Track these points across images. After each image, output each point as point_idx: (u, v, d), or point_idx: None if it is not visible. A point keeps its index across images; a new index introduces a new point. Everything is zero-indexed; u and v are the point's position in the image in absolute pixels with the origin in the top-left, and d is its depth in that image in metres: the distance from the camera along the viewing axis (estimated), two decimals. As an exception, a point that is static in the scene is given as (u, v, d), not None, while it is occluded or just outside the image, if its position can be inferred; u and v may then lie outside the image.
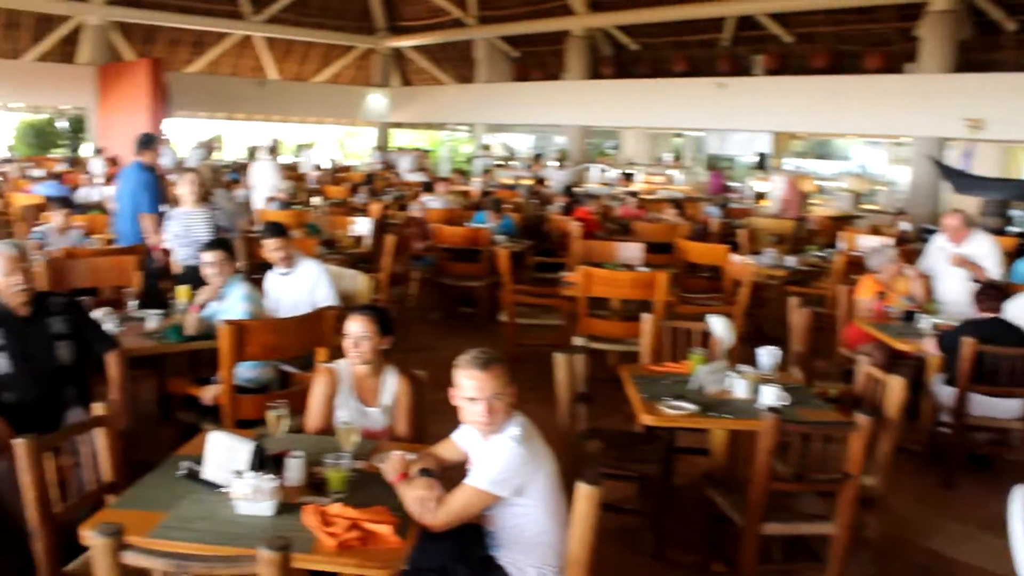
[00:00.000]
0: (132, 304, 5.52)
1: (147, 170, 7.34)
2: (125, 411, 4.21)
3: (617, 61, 21.59)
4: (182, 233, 6.10)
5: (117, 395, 4.20)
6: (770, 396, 4.30)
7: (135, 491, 3.05)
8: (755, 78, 18.33)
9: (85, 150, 23.26)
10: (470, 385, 3.06)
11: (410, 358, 4.19)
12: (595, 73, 21.52)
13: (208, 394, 4.46)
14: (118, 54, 23.31)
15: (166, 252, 6.43)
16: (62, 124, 26.27)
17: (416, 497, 2.96)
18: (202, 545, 2.69)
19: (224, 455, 3.07)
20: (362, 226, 9.46)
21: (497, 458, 2.99)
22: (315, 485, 3.11)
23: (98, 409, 3.36)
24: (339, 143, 25.18)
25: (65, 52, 23.36)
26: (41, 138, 26.19)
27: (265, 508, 2.87)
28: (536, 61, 24.02)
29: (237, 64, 26.38)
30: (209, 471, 3.09)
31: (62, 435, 3.24)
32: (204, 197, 6.26)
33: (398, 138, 29.55)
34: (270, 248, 5.51)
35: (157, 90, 20.31)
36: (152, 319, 5.16)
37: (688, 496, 4.95)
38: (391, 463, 3.15)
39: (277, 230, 5.58)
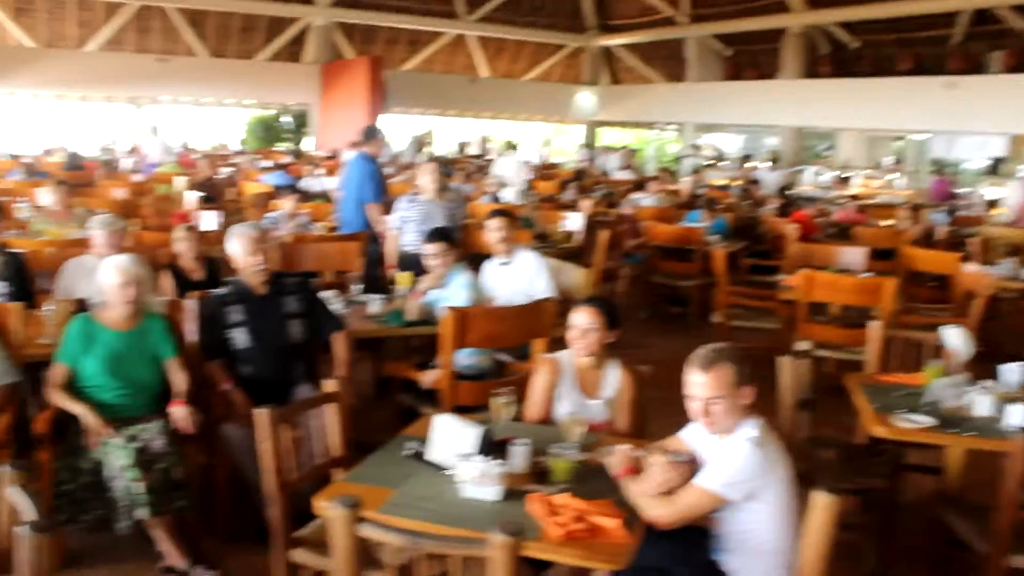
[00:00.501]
0: (356, 288, 5.71)
1: (371, 161, 7.59)
2: (348, 390, 4.34)
3: (836, 59, 20.67)
4: (419, 221, 6.27)
5: (342, 373, 4.33)
6: (1019, 416, 3.93)
7: (365, 467, 3.12)
8: (991, 76, 17.05)
9: (307, 144, 24.51)
10: (692, 383, 2.95)
11: (618, 355, 4.12)
12: (812, 72, 20.69)
13: (427, 378, 4.54)
14: (340, 53, 24.43)
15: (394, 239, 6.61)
16: (287, 119, 27.76)
17: (658, 482, 2.88)
18: (429, 524, 2.71)
19: (451, 438, 3.09)
20: (574, 222, 9.45)
21: (731, 460, 2.86)
22: (539, 474, 3.08)
23: (330, 386, 3.46)
24: (547, 141, 25.40)
25: (292, 52, 24.71)
26: (268, 132, 27.77)
27: (491, 493, 2.86)
28: (749, 59, 23.37)
29: (450, 62, 27.09)
30: (435, 453, 3.12)
31: (298, 408, 3.36)
32: (444, 188, 6.41)
33: (605, 136, 29.52)
34: (492, 229, 5.55)
35: (375, 87, 21.13)
36: (375, 303, 5.31)
37: (914, 515, 4.62)
38: (616, 457, 3.07)
39: (502, 213, 5.63)
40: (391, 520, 2.68)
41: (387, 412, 5.09)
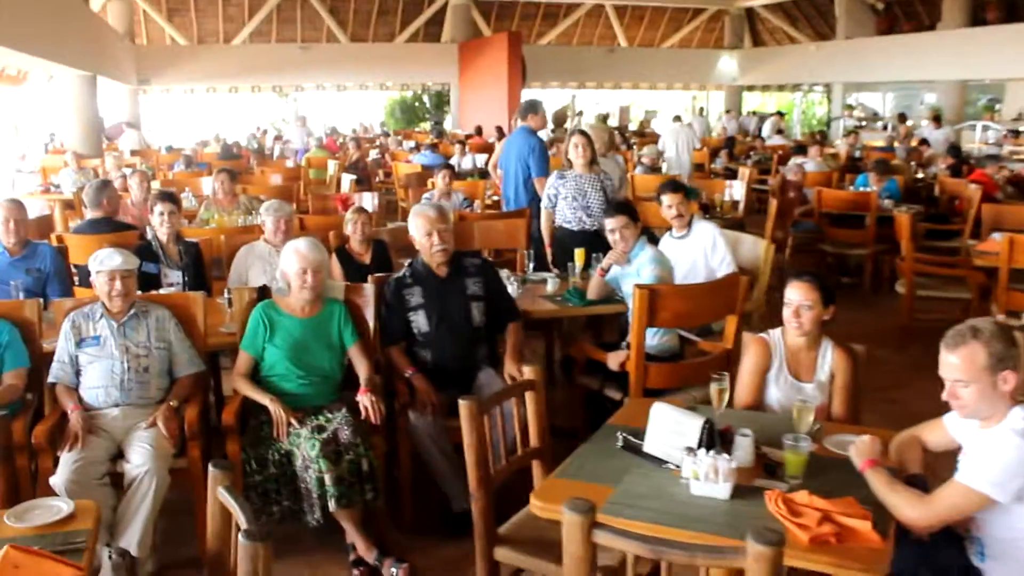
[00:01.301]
0: (529, 267, 5.51)
1: (533, 134, 7.37)
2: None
3: (1005, 3, 19.26)
4: (572, 197, 6.00)
5: (517, 361, 4.12)
6: None
7: (576, 461, 2.88)
8: None
9: (447, 123, 24.60)
10: (941, 362, 2.60)
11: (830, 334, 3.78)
12: (977, 19, 19.35)
13: (615, 360, 4.28)
14: (477, 30, 24.37)
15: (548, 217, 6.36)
16: (427, 99, 27.97)
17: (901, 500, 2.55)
18: (656, 526, 2.46)
19: (669, 429, 2.83)
20: (736, 190, 9.02)
21: (999, 454, 2.49)
22: (767, 468, 2.79)
23: (529, 372, 3.25)
24: (700, 109, 24.73)
25: (430, 33, 24.81)
26: (408, 113, 28.06)
27: (721, 490, 2.59)
28: (906, 11, 22.10)
29: (587, 33, 26.71)
30: (651, 444, 2.86)
31: (500, 397, 3.16)
32: (593, 161, 6.11)
33: (747, 102, 28.56)
34: (665, 205, 5.25)
35: (514, 62, 20.96)
36: (551, 282, 5.09)
37: None
38: (860, 447, 2.75)
39: (675, 186, 5.32)
40: (612, 521, 2.44)
41: (570, 395, 4.87)
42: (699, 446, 2.70)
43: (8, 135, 18.59)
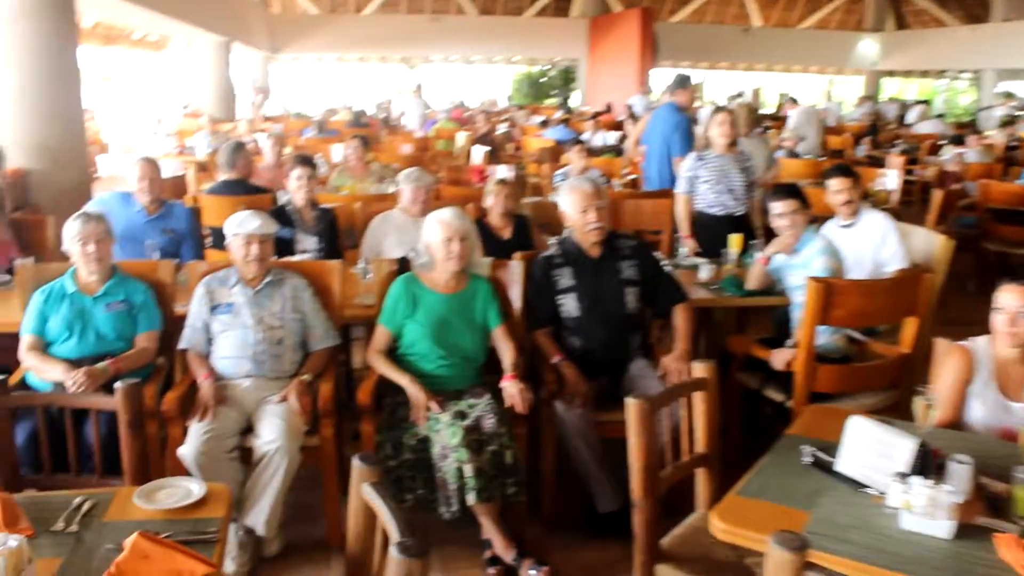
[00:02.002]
0: (682, 251, 5.13)
1: (679, 111, 6.97)
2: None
3: None
4: (713, 180, 5.57)
5: (685, 349, 3.78)
6: None
7: (759, 478, 2.52)
8: None
9: (574, 99, 24.21)
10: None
11: (944, 333, 3.32)
12: None
13: (780, 358, 3.88)
14: (608, 6, 23.83)
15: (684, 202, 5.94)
16: (553, 75, 27.64)
17: None
18: (865, 565, 2.09)
19: (871, 448, 2.44)
20: (890, 179, 8.41)
21: None
22: (989, 502, 2.38)
23: (701, 369, 2.89)
24: (826, 93, 23.71)
25: (560, 7, 24.39)
26: (534, 88, 27.78)
27: (942, 528, 2.20)
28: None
29: (721, 12, 25.86)
30: (847, 464, 2.49)
31: (669, 395, 2.82)
32: (733, 143, 5.65)
33: (886, 88, 27.26)
34: (833, 190, 4.79)
35: (646, 40, 20.41)
36: (704, 268, 4.71)
37: None
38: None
39: (845, 170, 4.85)
40: (814, 556, 2.09)
41: (726, 393, 4.49)
42: (912, 472, 2.32)
43: (147, 100, 19.03)
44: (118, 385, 2.61)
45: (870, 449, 2.44)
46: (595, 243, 3.84)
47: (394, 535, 1.85)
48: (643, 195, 6.52)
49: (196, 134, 11.81)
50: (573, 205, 3.80)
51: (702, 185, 5.63)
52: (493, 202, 5.16)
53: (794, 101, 16.53)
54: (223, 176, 6.11)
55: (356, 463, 2.09)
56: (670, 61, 23.39)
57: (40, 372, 3.55)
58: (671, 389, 2.96)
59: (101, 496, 2.34)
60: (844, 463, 2.49)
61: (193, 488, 2.35)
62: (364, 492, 2.08)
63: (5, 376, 2.72)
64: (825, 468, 2.53)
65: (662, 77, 22.61)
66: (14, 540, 1.93)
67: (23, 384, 3.63)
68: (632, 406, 2.57)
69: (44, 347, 3.61)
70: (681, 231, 5.71)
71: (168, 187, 6.82)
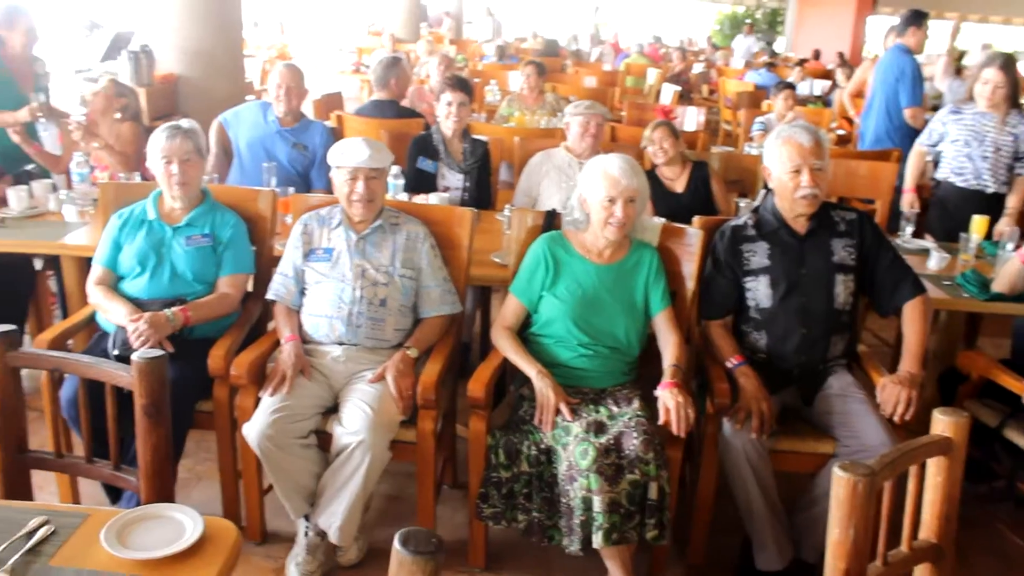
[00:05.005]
0: (906, 230, 4.08)
1: (907, 55, 5.79)
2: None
3: None
4: (965, 141, 4.43)
5: (914, 369, 2.81)
6: None
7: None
8: None
9: (779, 44, 22.53)
10: None
11: None
12: None
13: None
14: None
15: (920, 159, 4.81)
16: (758, 17, 25.96)
17: None
18: None
19: None
20: None
21: None
22: None
23: (941, 425, 1.95)
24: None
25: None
26: (737, 29, 26.13)
27: None
28: None
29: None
30: None
31: (896, 463, 1.91)
32: (1015, 103, 4.45)
33: None
34: None
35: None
36: (935, 257, 3.67)
37: None
38: None
39: None
40: None
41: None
42: None
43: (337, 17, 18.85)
44: (138, 355, 1.93)
45: None
46: (803, 214, 2.90)
47: None
48: (857, 155, 5.40)
49: (374, 52, 11.30)
50: (783, 161, 2.85)
51: (950, 145, 4.51)
52: (658, 150, 4.30)
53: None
54: (376, 95, 5.44)
55: (398, 550, 1.31)
56: (890, 8, 21.23)
57: (103, 312, 2.97)
58: (902, 453, 2.03)
59: (68, 519, 1.68)
60: None
61: (187, 526, 1.64)
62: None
63: (14, 328, 2.10)
64: None
65: (879, 25, 20.68)
66: None
67: (92, 322, 3.08)
68: (843, 482, 1.68)
69: (115, 282, 3.03)
70: (905, 185, 4.66)
71: (323, 103, 6.28)
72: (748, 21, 25.51)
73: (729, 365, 2.86)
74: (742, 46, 17.74)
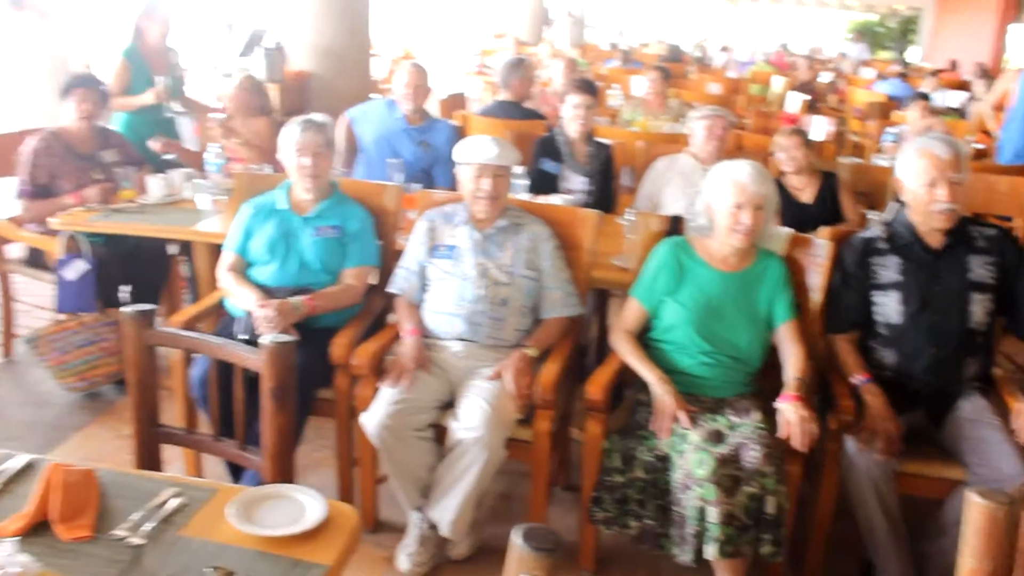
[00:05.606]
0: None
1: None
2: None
3: None
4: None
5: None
6: None
7: None
8: None
9: (911, 54, 21.81)
10: None
11: None
12: None
13: None
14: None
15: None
16: (891, 25, 25.18)
17: None
18: None
19: None
20: None
21: None
22: None
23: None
24: None
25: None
26: (867, 38, 25.43)
27: None
28: None
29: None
30: None
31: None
32: None
33: None
34: None
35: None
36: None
37: None
38: None
39: None
40: None
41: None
42: None
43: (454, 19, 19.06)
44: (269, 339, 1.98)
45: None
46: (939, 228, 2.78)
47: None
48: (996, 169, 5.17)
49: (497, 54, 11.40)
50: (919, 173, 2.75)
51: None
52: (785, 157, 4.20)
53: None
54: (500, 96, 5.48)
55: (516, 542, 1.31)
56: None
57: (232, 297, 3.07)
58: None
59: (198, 492, 1.74)
60: None
61: (308, 507, 1.68)
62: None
63: (152, 307, 2.19)
64: None
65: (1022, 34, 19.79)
66: (18, 561, 1.35)
67: (220, 306, 3.19)
68: (981, 510, 1.61)
69: (245, 268, 3.12)
70: None
71: (448, 103, 6.37)
72: (878, 29, 24.83)
73: (854, 382, 2.76)
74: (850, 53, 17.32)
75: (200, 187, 3.95)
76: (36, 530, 1.59)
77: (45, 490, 1.65)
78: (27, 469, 1.79)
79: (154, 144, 4.49)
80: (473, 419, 2.64)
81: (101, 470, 1.78)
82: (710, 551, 2.43)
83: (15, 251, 4.26)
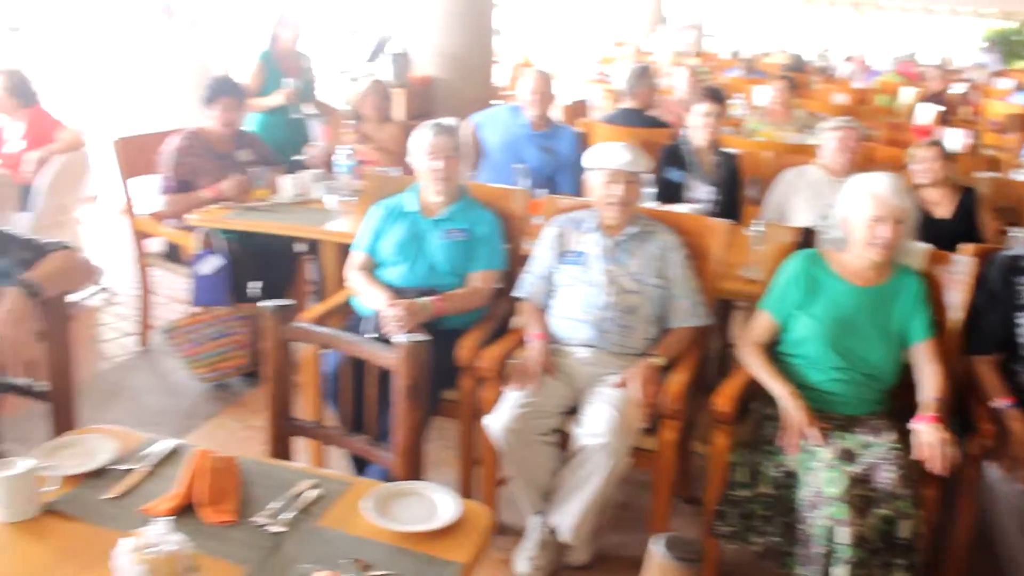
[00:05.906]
0: None
1: None
2: None
3: None
4: None
5: None
6: None
7: None
8: None
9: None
10: None
11: None
12: None
13: None
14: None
15: None
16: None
17: None
18: None
19: None
20: None
21: None
22: None
23: None
24: None
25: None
26: (1006, 47, 24.34)
27: None
28: None
29: None
30: None
31: None
32: None
33: None
34: None
35: None
36: None
37: None
38: None
39: None
40: None
41: None
42: None
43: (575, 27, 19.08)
44: (404, 337, 2.02)
45: None
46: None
47: None
48: None
49: (617, 61, 11.36)
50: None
51: None
52: (922, 169, 4.07)
53: None
54: (625, 103, 5.47)
55: (661, 554, 1.30)
56: None
57: (361, 296, 3.13)
58: None
59: (333, 485, 1.78)
60: None
61: (441, 505, 1.70)
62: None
63: (291, 303, 2.26)
64: None
65: None
66: (173, 540, 1.40)
67: (347, 305, 3.26)
68: None
69: (373, 268, 3.19)
70: None
71: (570, 110, 6.38)
72: (1015, 37, 23.83)
73: (996, 405, 2.65)
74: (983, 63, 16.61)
75: (329, 188, 4.05)
76: (182, 512, 1.66)
77: (192, 474, 1.72)
78: (173, 454, 1.87)
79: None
80: (600, 425, 2.63)
81: (241, 458, 1.84)
82: (839, 573, 2.36)
83: (154, 245, 4.44)
